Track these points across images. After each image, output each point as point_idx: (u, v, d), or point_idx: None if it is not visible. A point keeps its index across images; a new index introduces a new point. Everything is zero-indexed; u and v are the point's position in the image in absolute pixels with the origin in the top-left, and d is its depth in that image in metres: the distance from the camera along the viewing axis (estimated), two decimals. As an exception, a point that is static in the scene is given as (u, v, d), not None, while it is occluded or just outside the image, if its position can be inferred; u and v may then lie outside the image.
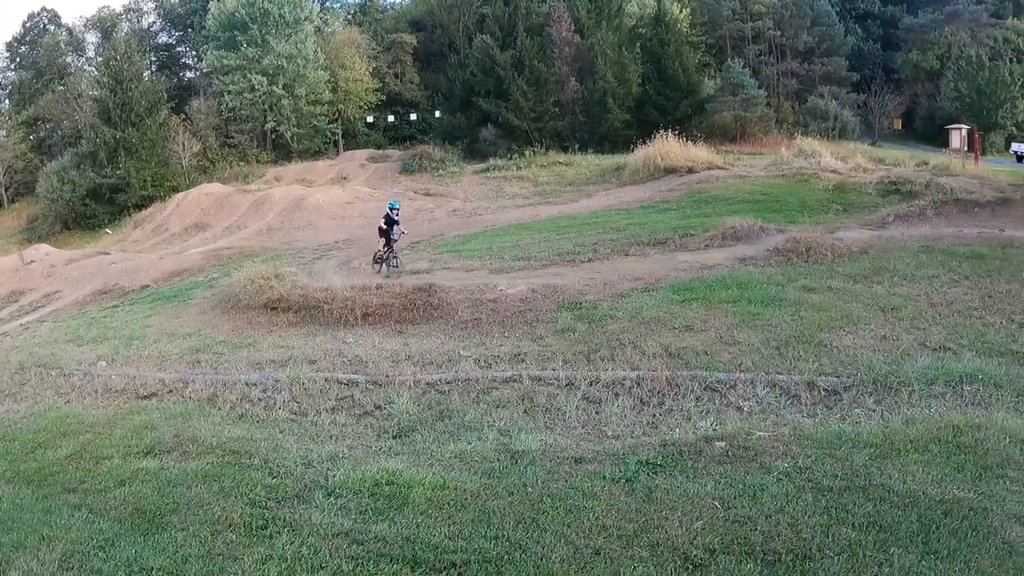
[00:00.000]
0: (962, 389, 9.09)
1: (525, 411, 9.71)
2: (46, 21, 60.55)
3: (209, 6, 48.58)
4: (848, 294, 13.51)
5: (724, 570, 4.84)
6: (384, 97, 52.32)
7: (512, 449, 7.49)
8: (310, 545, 5.49)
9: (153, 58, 58.84)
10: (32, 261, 26.92)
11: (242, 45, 46.61)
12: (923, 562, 4.87)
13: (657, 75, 45.88)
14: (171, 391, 11.05)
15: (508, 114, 45.07)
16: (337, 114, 50.52)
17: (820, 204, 22.81)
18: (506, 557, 5.11)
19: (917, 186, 23.37)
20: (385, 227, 18.13)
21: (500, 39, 46.59)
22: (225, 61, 46.99)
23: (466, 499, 6.12)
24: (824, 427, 7.81)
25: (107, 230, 39.85)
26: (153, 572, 5.44)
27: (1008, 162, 38.09)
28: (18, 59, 59.37)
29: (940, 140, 42.30)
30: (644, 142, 34.33)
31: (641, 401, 9.73)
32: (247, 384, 11.15)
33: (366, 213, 33.32)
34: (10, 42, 60.41)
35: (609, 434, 8.64)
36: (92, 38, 60.46)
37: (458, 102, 48.89)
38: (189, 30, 57.22)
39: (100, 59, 51.90)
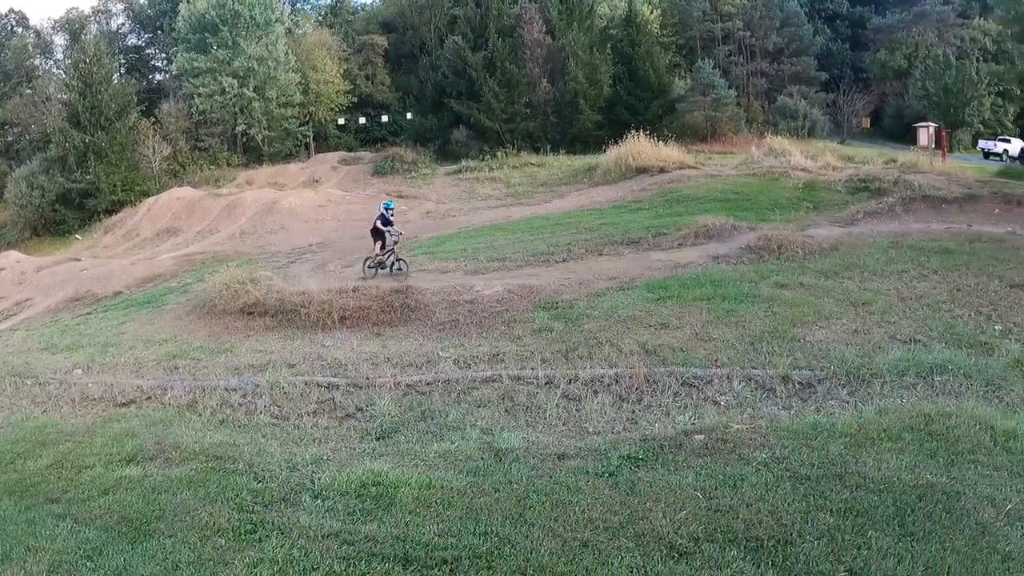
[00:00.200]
0: (932, 379, 9.35)
1: (506, 410, 9.81)
2: (13, 23, 59.30)
3: (179, 7, 48.04)
4: (820, 290, 13.77)
5: (709, 557, 4.97)
6: (355, 99, 52.11)
7: (495, 447, 7.58)
8: (300, 547, 5.52)
9: (122, 60, 57.94)
10: (2, 268, 26.51)
11: (212, 47, 46.13)
12: (899, 544, 5.04)
13: (628, 76, 46.20)
14: (149, 398, 10.97)
15: (480, 115, 45.12)
16: (308, 116, 50.21)
17: (791, 202, 23.19)
18: (496, 552, 5.20)
19: (886, 183, 23.82)
20: (381, 227, 17.64)
21: (472, 40, 46.61)
22: (195, 63, 46.49)
23: (453, 497, 6.19)
24: (800, 419, 8.01)
25: (77, 236, 39.28)
26: (144, 579, 5.44)
27: (975, 159, 38.84)
28: (-15, 62, 58.29)
29: (908, 138, 42.95)
30: (616, 142, 34.60)
31: (620, 398, 9.87)
32: (227, 389, 11.10)
33: (339, 216, 33.26)
34: (-24, 45, 59.34)
35: (590, 430, 8.77)
36: (60, 40, 59.40)
37: (430, 104, 48.83)
38: (159, 32, 56.48)
39: (69, 62, 50.89)
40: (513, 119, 45.41)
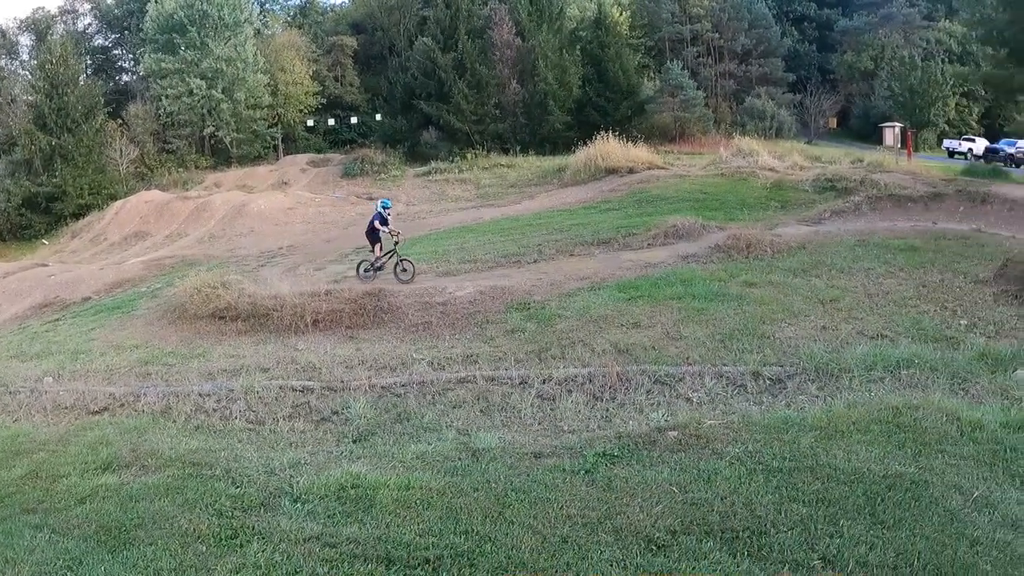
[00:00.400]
0: (900, 373, 9.56)
1: (481, 410, 9.87)
2: (-23, 24, 58.19)
3: (147, 8, 47.47)
4: (788, 288, 14.02)
5: (686, 549, 5.07)
6: (324, 100, 51.89)
7: (472, 447, 7.63)
8: (282, 551, 5.52)
9: (89, 61, 57.05)
10: (-34, 275, 25.98)
11: (180, 48, 45.70)
12: (871, 532, 5.18)
13: (597, 77, 46.52)
14: (123, 405, 10.84)
15: (449, 117, 45.16)
16: (277, 118, 49.87)
17: (759, 202, 23.54)
18: (477, 550, 5.26)
19: (852, 183, 24.28)
20: (378, 228, 17.04)
21: (441, 42, 46.64)
22: (163, 64, 46.05)
23: (432, 497, 6.23)
24: (771, 413, 8.15)
25: (43, 241, 38.68)
26: (126, 588, 5.42)
27: (940, 158, 39.58)
28: (-52, 63, 56.99)
29: (874, 138, 43.68)
30: (585, 143, 34.90)
31: (594, 396, 9.98)
32: (200, 395, 11.01)
33: (308, 218, 33.11)
34: (-60, 45, 58.00)
35: (565, 429, 8.86)
36: (26, 40, 58.14)
37: (399, 105, 48.75)
38: (126, 32, 55.74)
39: (35, 62, 50.14)
40: (483, 120, 45.51)
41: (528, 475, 6.57)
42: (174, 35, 45.89)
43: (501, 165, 40.01)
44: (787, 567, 4.86)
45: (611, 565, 4.97)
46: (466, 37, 45.85)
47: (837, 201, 22.25)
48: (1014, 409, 7.83)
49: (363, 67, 55.02)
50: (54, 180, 39.85)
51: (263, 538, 5.78)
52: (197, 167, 46.87)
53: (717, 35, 54.29)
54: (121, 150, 43.23)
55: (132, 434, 9.18)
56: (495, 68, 46.02)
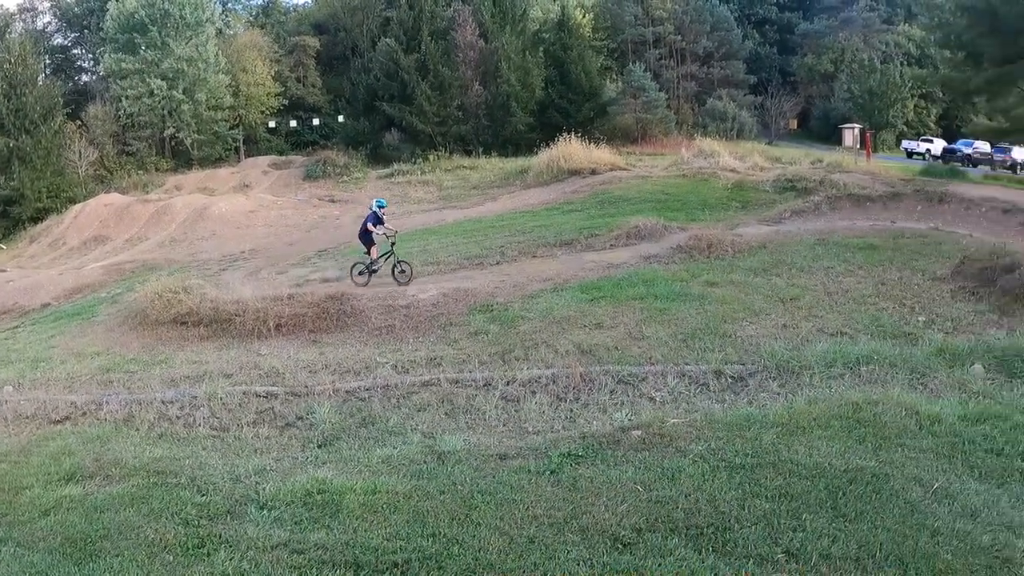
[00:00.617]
0: (859, 369, 9.77)
1: (446, 413, 9.91)
2: (-67, 20, 56.53)
3: (107, 6, 46.46)
4: (749, 287, 14.23)
5: (652, 547, 5.13)
6: (286, 102, 51.34)
7: (437, 450, 7.62)
8: (250, 559, 5.47)
9: (48, 61, 55.71)
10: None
11: (141, 48, 44.89)
12: (833, 525, 5.28)
13: (560, 79, 46.73)
14: (85, 414, 10.67)
15: (412, 118, 45.03)
16: (238, 119, 49.26)
17: (720, 202, 23.83)
18: (445, 552, 5.27)
19: (812, 183, 24.66)
20: (372, 228, 16.33)
21: (404, 43, 46.47)
22: (123, 64, 45.17)
23: (399, 501, 6.22)
24: (733, 411, 8.28)
25: (1, 245, 37.74)
26: (92, 601, 5.34)
27: (899, 158, 40.30)
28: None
29: (834, 139, 44.34)
30: (547, 145, 34.99)
31: (557, 397, 10.07)
32: (163, 402, 10.87)
33: (270, 221, 32.81)
34: None
35: (530, 430, 8.92)
36: (-17, 39, 56.80)
37: (361, 106, 48.47)
38: (86, 31, 54.52)
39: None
40: (445, 122, 45.46)
41: (494, 477, 6.60)
42: (135, 34, 45.02)
43: (464, 167, 39.99)
44: (751, 562, 4.92)
45: (578, 564, 5.01)
46: (429, 38, 45.75)
47: (797, 201, 22.60)
48: (972, 402, 8.04)
49: (326, 68, 54.60)
50: (12, 183, 38.89)
51: (230, 546, 5.72)
52: (157, 169, 46.07)
53: (679, 38, 54.82)
54: (80, 152, 42.32)
55: (95, 443, 9.04)
56: (458, 70, 46.00)
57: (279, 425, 10.03)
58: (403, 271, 16.22)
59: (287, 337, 13.71)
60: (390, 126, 46.51)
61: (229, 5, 59.18)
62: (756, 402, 9.04)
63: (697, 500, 5.72)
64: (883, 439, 6.76)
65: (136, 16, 44.90)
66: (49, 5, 57.81)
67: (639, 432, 7.29)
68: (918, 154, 41.34)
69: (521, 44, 46.72)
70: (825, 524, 5.30)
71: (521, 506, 5.90)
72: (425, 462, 7.26)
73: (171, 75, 45.32)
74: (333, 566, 5.27)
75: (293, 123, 50.98)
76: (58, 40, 58.40)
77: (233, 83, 48.09)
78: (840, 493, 5.74)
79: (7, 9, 57.43)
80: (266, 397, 10.88)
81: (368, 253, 16.72)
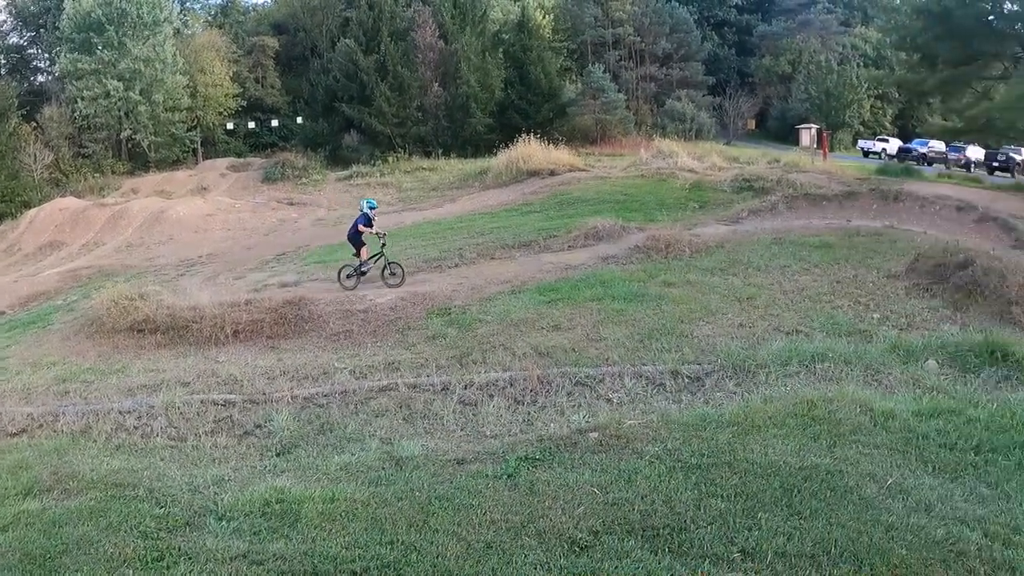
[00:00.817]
0: (815, 367, 9.91)
1: (404, 418, 9.85)
2: None
3: (64, 5, 45.33)
4: (706, 286, 14.38)
5: (608, 549, 5.19)
6: (245, 103, 50.68)
7: (395, 456, 7.62)
8: (210, 571, 5.43)
9: (2, 60, 54.30)
10: None
11: (97, 47, 43.97)
12: (788, 522, 5.37)
13: (520, 80, 46.83)
14: (41, 426, 10.41)
15: (371, 120, 44.81)
16: (196, 121, 48.44)
17: (678, 202, 24.02)
18: (403, 559, 5.28)
19: (769, 182, 24.94)
20: (362, 229, 16.15)
21: (364, 44, 46.22)
22: (80, 64, 44.15)
23: (357, 509, 6.22)
24: (689, 411, 8.39)
25: (-46, 253, 36.69)
26: (51, 617, 5.26)
27: (855, 158, 41.02)
28: None
29: (791, 139, 44.82)
30: (507, 146, 34.93)
31: (515, 400, 10.07)
32: (120, 412, 10.65)
33: (229, 225, 32.36)
34: None
35: (487, 434, 8.92)
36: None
37: (320, 108, 48.06)
38: (42, 30, 53.01)
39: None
40: (404, 123, 45.30)
41: (451, 482, 6.62)
42: (91, 34, 44.05)
43: (423, 168, 39.84)
44: (707, 561, 5.00)
45: (535, 568, 5.06)
46: (389, 39, 45.54)
47: (754, 201, 22.86)
48: (926, 398, 8.25)
49: (284, 69, 54.05)
50: (-35, 188, 37.91)
51: (190, 559, 5.68)
52: (114, 172, 45.09)
53: (639, 39, 55.26)
54: (35, 155, 41.20)
55: (52, 456, 8.86)
56: (417, 70, 45.85)
57: (237, 434, 9.89)
58: (394, 273, 16.00)
59: (245, 343, 13.52)
60: (349, 127, 46.20)
61: (187, 4, 58.29)
62: (712, 401, 9.15)
63: (653, 501, 5.80)
64: (838, 436, 6.89)
65: (93, 15, 43.94)
66: (4, 3, 56.16)
67: (596, 434, 7.36)
68: (874, 153, 42.10)
69: (481, 45, 46.74)
70: (780, 522, 5.39)
71: (478, 511, 5.93)
72: (383, 469, 7.26)
73: (128, 76, 44.41)
74: (292, 576, 5.26)
75: (252, 124, 50.33)
76: (13, 39, 56.75)
77: (191, 84, 47.30)
78: (795, 491, 5.84)
79: (-39, 8, 55.90)
80: (224, 405, 10.73)
81: (357, 255, 16.50)
